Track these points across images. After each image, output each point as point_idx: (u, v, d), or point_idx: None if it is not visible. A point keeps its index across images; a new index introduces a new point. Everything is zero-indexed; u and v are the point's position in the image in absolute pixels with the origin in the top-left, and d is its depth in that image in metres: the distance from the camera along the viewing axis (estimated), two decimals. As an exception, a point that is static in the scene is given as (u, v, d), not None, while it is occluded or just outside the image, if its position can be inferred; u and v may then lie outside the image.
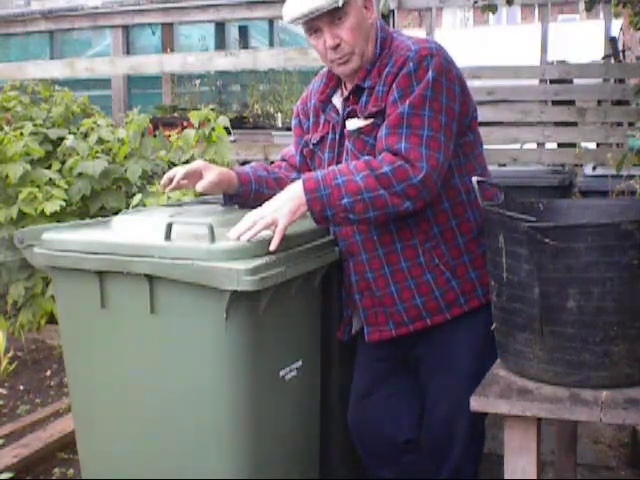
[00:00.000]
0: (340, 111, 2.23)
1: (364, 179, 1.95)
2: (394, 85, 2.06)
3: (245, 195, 2.34)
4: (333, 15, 2.08)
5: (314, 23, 2.11)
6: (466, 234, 2.17)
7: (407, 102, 2.02)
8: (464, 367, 2.16)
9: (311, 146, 2.32)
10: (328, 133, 2.27)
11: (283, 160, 2.49)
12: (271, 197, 2.06)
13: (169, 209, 2.44)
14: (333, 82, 2.27)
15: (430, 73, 2.03)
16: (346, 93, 2.21)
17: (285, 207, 1.97)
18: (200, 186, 2.26)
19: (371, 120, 2.12)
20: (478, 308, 2.16)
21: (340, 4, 2.04)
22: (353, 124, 2.17)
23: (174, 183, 2.30)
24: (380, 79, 2.12)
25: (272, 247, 1.93)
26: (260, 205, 2.04)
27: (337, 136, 2.23)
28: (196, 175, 2.28)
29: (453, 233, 2.15)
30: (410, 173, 1.95)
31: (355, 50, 2.12)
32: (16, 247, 2.29)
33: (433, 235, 2.14)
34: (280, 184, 2.31)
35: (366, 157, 2.04)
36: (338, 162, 2.20)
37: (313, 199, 1.97)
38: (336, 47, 2.11)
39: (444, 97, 2.05)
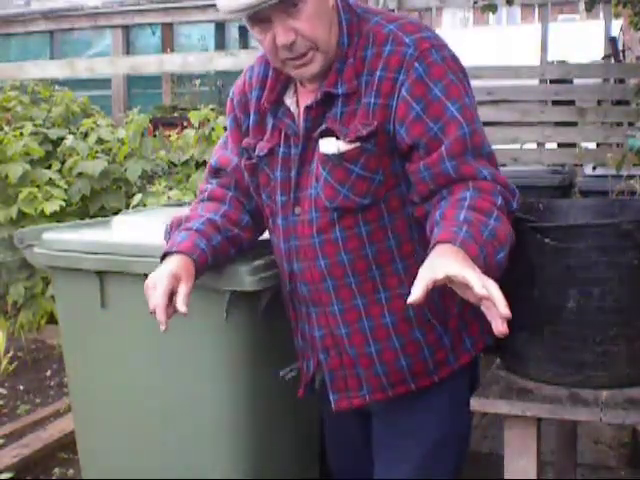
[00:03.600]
0: (301, 120, 1.68)
1: (500, 220, 1.52)
2: (407, 96, 1.58)
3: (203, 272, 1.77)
4: (287, 3, 1.54)
5: (262, 12, 1.55)
6: None
7: (461, 119, 1.58)
8: (430, 434, 1.77)
9: (255, 159, 1.76)
10: (279, 145, 1.72)
11: (216, 174, 1.87)
12: (227, 264, 1.78)
13: (169, 209, 2.44)
14: (283, 75, 1.70)
15: (450, 75, 1.60)
16: (309, 101, 1.66)
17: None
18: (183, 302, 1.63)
19: (358, 144, 1.60)
20: (469, 364, 1.77)
21: None
22: (331, 146, 1.62)
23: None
24: (368, 86, 1.61)
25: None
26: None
27: (298, 152, 1.68)
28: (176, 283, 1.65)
29: None
30: (511, 199, 1.59)
31: (317, 45, 1.59)
32: (16, 247, 2.29)
33: None
34: (233, 243, 1.82)
35: (474, 191, 1.55)
36: (298, 186, 1.69)
37: (480, 267, 1.42)
38: (292, 44, 1.57)
39: (472, 95, 1.66)
